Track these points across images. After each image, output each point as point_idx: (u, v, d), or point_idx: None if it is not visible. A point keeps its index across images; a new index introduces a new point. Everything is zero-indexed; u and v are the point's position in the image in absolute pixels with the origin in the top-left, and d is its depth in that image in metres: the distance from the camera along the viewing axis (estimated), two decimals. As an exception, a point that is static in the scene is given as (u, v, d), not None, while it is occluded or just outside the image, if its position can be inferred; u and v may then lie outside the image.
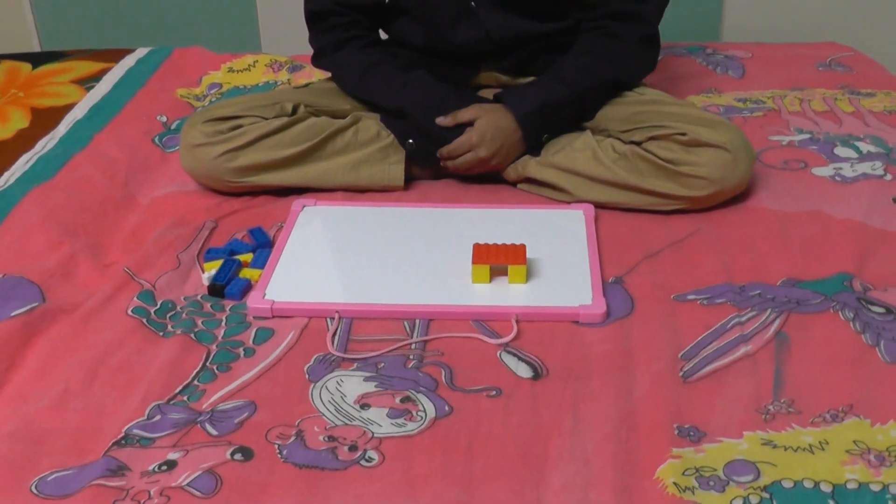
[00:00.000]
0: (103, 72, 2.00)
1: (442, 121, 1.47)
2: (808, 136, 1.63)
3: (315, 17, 1.60)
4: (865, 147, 1.58)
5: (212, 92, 1.92)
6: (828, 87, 1.82)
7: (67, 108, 1.85)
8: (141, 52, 2.10)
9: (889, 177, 1.49)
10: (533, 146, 1.48)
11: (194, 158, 1.48)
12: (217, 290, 1.27)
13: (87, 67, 2.04)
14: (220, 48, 2.13)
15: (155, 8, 2.61)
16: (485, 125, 1.45)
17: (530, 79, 1.59)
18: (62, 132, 1.74)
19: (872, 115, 1.70)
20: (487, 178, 1.53)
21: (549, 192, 1.47)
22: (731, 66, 1.94)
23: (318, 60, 1.63)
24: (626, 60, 1.55)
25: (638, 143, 1.42)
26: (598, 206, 1.44)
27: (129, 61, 2.05)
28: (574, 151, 1.45)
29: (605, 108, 1.54)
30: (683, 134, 1.39)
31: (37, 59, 2.09)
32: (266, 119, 1.49)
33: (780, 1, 2.52)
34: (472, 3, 1.53)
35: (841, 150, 1.57)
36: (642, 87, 1.59)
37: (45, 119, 1.81)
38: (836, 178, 1.49)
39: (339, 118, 1.53)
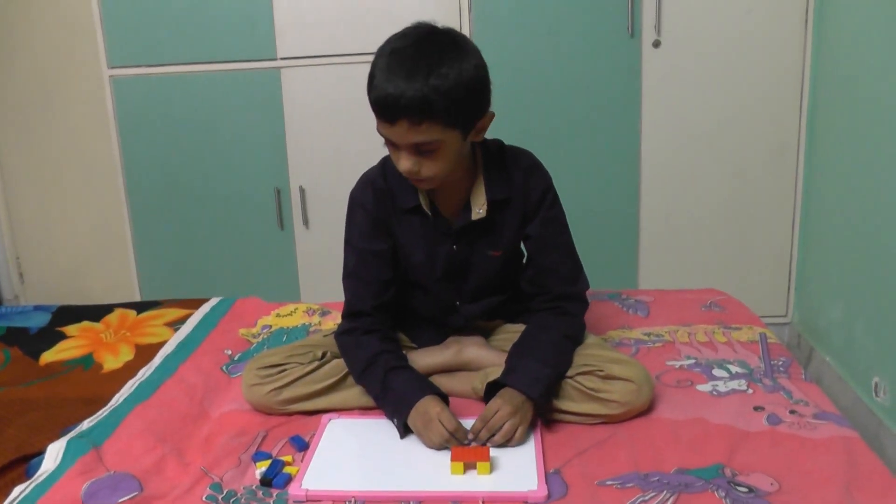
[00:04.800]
0: (187, 316, 2.03)
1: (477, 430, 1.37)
2: (693, 361, 1.65)
3: (353, 314, 1.53)
4: (734, 369, 1.61)
5: (264, 331, 1.92)
6: (708, 324, 1.84)
7: (161, 344, 1.86)
8: (214, 301, 2.14)
9: (751, 391, 1.52)
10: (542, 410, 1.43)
11: (251, 393, 1.51)
12: (267, 482, 1.28)
13: (175, 313, 2.07)
14: (271, 298, 2.16)
15: (223, 267, 2.70)
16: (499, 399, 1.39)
17: (497, 321, 1.65)
18: (157, 363, 1.75)
19: (739, 344, 1.73)
20: (461, 394, 1.54)
21: None
22: (640, 308, 1.95)
23: (340, 338, 1.54)
24: (578, 331, 1.56)
25: (570, 377, 1.46)
26: (543, 419, 1.43)
27: (205, 308, 2.09)
28: None
29: None
30: (602, 370, 1.44)
31: (140, 307, 2.12)
32: (302, 364, 1.52)
33: (676, 260, 2.66)
34: (458, 303, 1.60)
35: (717, 372, 1.60)
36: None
37: (145, 353, 1.83)
38: (714, 392, 1.52)
39: None
